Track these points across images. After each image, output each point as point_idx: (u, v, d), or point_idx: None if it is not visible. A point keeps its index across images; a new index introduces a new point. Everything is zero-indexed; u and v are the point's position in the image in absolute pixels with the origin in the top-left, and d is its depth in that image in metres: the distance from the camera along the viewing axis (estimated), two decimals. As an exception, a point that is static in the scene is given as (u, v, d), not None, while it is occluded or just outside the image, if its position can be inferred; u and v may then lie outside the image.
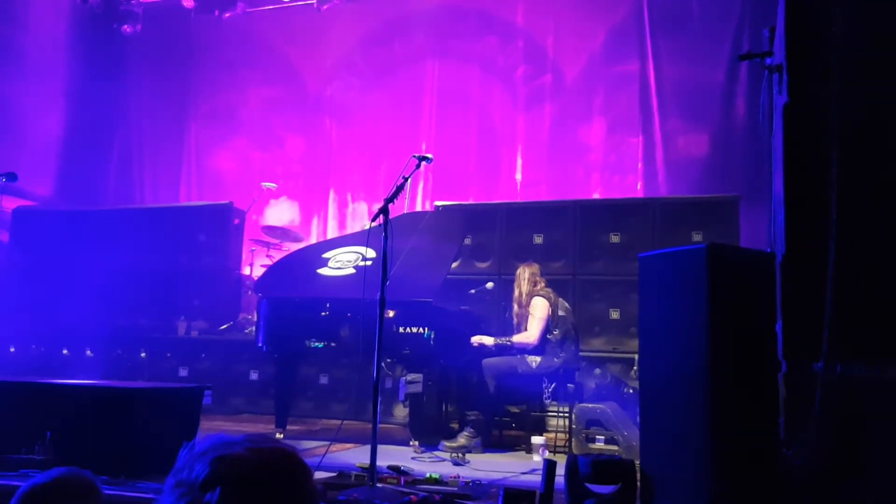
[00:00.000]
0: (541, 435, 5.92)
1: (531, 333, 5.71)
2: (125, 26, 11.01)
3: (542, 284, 5.92)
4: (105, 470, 3.69)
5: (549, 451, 5.42)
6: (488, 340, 5.83)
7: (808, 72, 3.08)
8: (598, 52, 9.40)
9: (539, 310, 5.74)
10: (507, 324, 6.30)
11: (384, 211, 4.16)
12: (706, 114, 8.59)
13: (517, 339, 5.76)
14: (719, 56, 8.47)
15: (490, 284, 6.40)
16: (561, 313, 5.80)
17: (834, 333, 2.98)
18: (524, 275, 5.95)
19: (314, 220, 10.55)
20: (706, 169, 8.43)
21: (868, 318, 3.02)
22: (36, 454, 3.97)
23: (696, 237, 6.75)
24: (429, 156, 4.53)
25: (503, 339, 5.81)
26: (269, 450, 1.11)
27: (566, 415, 5.71)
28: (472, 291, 6.50)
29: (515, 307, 5.94)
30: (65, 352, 8.15)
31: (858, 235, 3.01)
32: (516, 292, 5.95)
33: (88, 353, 8.09)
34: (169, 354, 7.86)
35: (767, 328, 3.13)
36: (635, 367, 6.25)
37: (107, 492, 3.41)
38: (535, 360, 5.65)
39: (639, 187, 9.07)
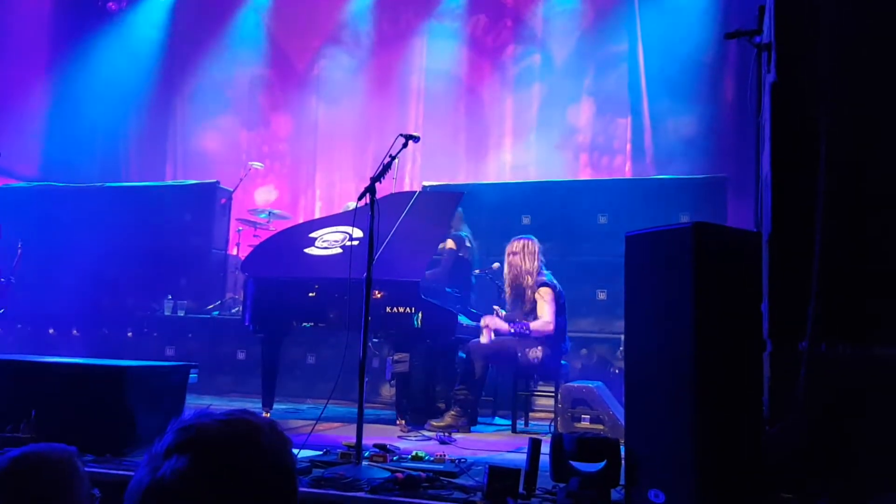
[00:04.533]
0: (528, 414, 5.96)
1: (548, 320, 5.48)
2: (110, 3, 10.89)
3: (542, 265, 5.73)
4: (90, 448, 3.69)
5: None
6: (503, 326, 5.58)
7: (797, 50, 3.07)
8: (588, 32, 9.37)
9: (549, 295, 5.55)
10: (505, 305, 6.22)
11: (370, 190, 4.12)
12: (694, 95, 8.59)
13: (535, 325, 5.50)
14: (708, 37, 8.45)
15: (496, 265, 6.27)
16: (560, 301, 5.66)
17: (819, 313, 2.99)
18: (532, 247, 5.66)
19: (301, 200, 10.52)
20: (694, 150, 8.44)
21: (853, 297, 3.04)
22: (21, 433, 3.95)
23: (684, 218, 6.75)
24: (416, 134, 4.48)
25: (520, 326, 5.54)
26: (237, 420, 1.11)
27: (552, 394, 5.73)
28: (477, 272, 6.44)
29: (526, 279, 5.60)
30: (51, 331, 8.12)
31: (845, 215, 3.02)
32: (526, 264, 5.61)
33: (74, 332, 8.06)
34: (156, 334, 7.83)
35: (753, 308, 3.14)
36: (621, 348, 6.27)
37: (93, 470, 3.41)
38: (536, 356, 5.55)
39: (627, 168, 9.08)
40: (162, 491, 1.04)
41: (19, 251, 7.27)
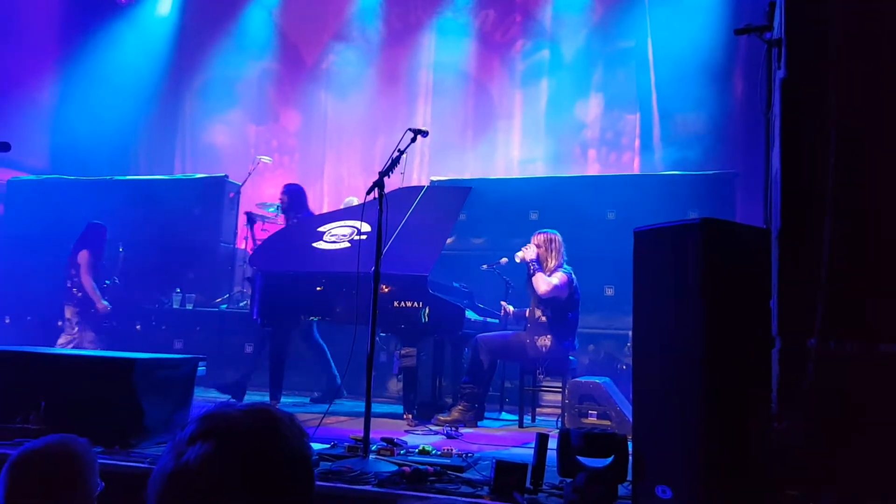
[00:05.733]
0: (535, 409, 5.96)
1: (553, 283, 5.59)
2: (120, -4, 10.92)
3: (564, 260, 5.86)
4: (99, 440, 3.69)
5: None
6: (530, 255, 5.74)
7: (808, 46, 3.06)
8: (597, 27, 9.35)
9: (562, 278, 5.65)
10: (513, 300, 6.22)
11: (379, 184, 4.13)
12: (704, 90, 8.54)
13: (540, 274, 5.64)
14: (718, 33, 8.40)
15: (504, 259, 6.27)
16: (575, 297, 5.75)
17: (828, 310, 2.99)
18: (555, 243, 5.80)
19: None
20: (703, 146, 8.41)
21: (862, 294, 3.03)
22: (31, 423, 3.97)
23: (692, 214, 6.73)
24: (424, 129, 4.47)
25: (536, 267, 5.67)
26: (259, 410, 1.15)
27: (559, 390, 5.73)
28: (485, 267, 6.43)
29: (544, 263, 5.75)
30: (60, 323, 8.13)
31: (854, 211, 3.01)
32: (548, 258, 5.75)
33: (83, 324, 8.07)
34: (164, 327, 7.86)
35: (761, 304, 3.13)
36: (629, 344, 6.26)
37: (102, 461, 3.43)
38: (545, 344, 5.61)
39: (635, 164, 9.06)
40: (186, 475, 1.08)
41: (121, 253, 7.39)
